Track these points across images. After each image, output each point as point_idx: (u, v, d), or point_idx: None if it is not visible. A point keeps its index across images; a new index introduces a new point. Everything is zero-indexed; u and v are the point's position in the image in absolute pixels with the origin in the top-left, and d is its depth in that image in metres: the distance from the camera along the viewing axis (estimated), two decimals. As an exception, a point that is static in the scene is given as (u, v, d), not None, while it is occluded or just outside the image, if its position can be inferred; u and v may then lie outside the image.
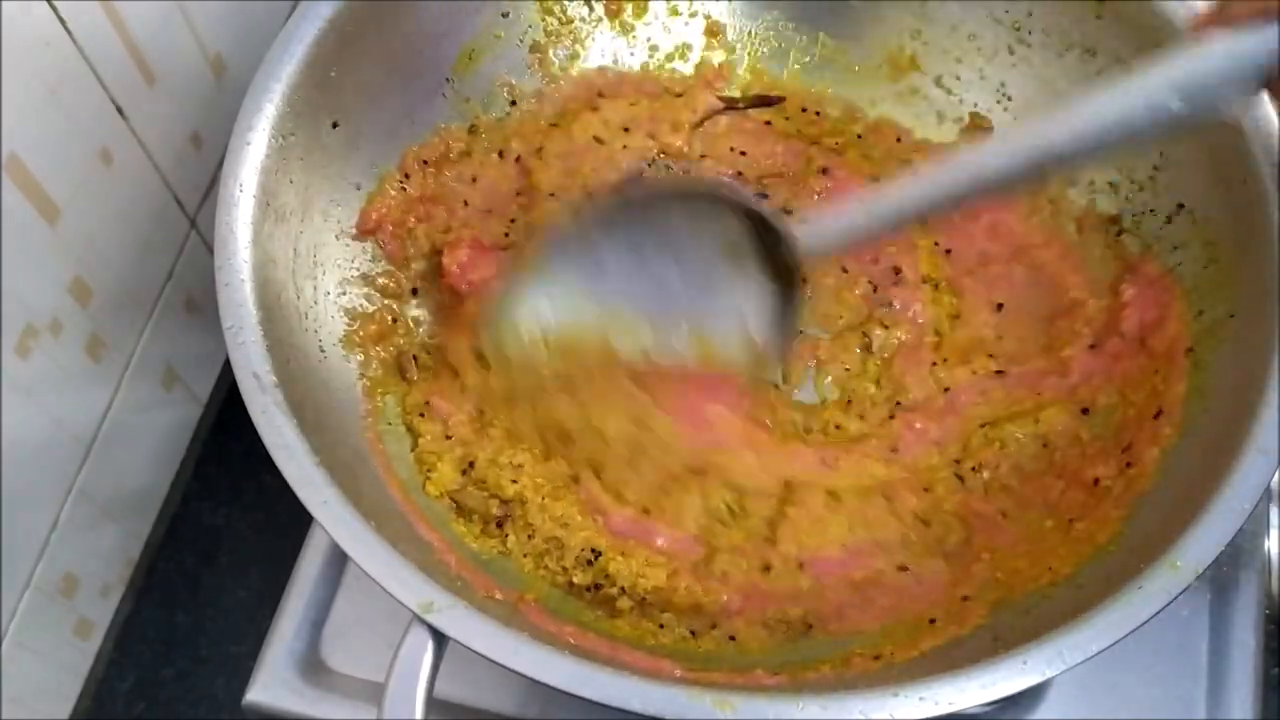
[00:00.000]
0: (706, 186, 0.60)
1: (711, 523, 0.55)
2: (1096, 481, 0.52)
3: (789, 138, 0.65)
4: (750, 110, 0.66)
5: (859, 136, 0.65)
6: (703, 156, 0.64)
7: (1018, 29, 0.61)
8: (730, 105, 0.65)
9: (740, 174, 0.64)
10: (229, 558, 0.68)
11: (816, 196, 0.63)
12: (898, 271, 0.61)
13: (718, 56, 0.66)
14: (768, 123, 0.65)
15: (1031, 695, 0.54)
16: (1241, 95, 0.42)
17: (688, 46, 0.66)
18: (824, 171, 0.64)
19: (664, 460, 0.55)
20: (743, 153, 0.65)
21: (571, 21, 0.64)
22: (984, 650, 0.42)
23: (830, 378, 0.60)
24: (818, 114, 0.65)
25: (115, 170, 0.56)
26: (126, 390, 0.61)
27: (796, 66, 0.66)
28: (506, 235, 0.61)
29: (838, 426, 0.58)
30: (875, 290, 0.61)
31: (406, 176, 0.59)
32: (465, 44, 0.61)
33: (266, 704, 0.55)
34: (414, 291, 0.59)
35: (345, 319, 0.56)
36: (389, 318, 0.57)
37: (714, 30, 0.66)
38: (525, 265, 0.54)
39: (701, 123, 0.65)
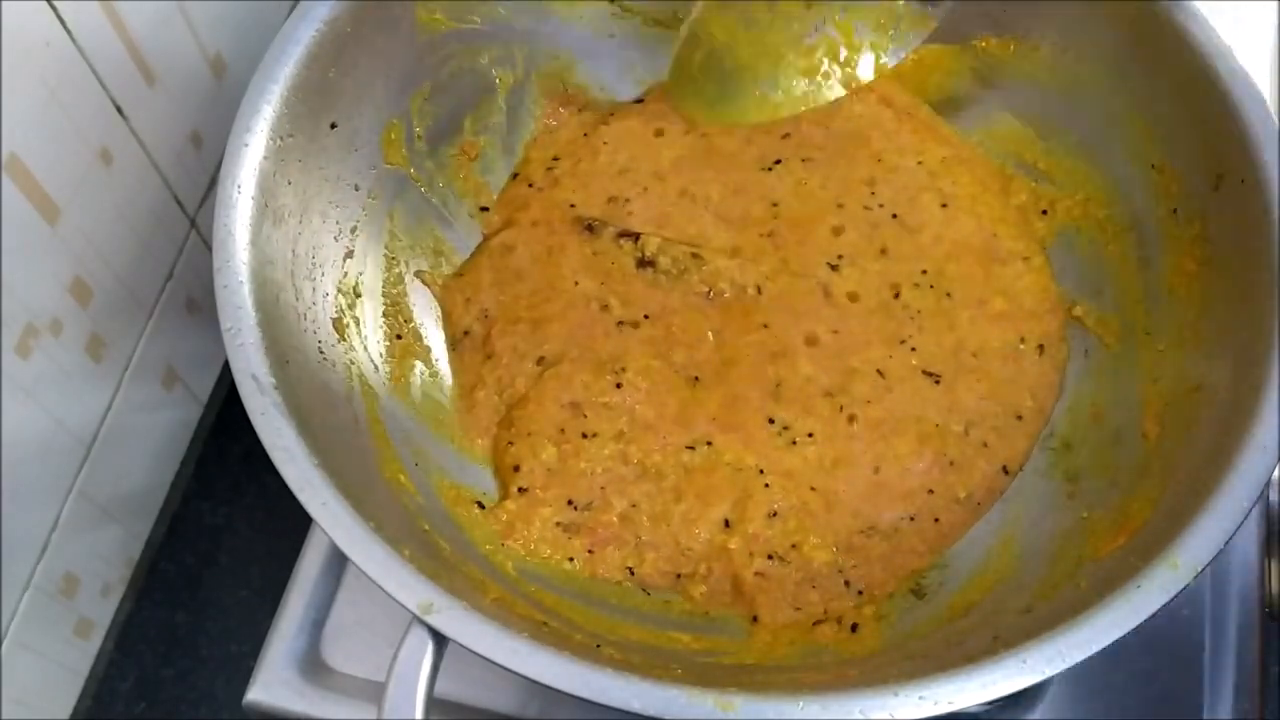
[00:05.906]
0: None
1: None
2: None
3: None
4: None
5: None
6: None
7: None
8: None
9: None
10: (229, 558, 0.68)
11: None
12: None
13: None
14: None
15: (1031, 695, 0.54)
16: None
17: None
18: None
19: None
20: None
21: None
22: (984, 649, 0.42)
23: None
24: None
25: (115, 170, 0.56)
26: (127, 390, 0.61)
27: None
28: None
29: None
30: None
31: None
32: (465, 44, 0.61)
33: (267, 704, 0.55)
34: None
35: (345, 319, 0.55)
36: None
37: None
38: None
39: None
